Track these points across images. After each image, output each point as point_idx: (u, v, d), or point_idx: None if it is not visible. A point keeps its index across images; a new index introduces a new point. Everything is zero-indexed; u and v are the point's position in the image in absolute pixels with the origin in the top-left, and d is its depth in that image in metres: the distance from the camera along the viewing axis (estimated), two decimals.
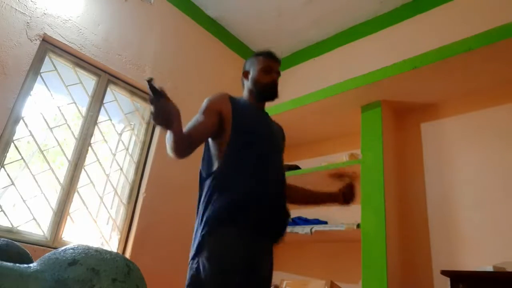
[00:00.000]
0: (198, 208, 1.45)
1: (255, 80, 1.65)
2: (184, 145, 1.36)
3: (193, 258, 1.35)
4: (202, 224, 1.36)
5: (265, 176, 1.46)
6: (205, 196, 1.42)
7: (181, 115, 1.29)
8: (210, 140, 1.52)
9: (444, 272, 1.71)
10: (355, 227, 2.26)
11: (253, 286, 1.34)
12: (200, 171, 1.53)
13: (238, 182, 1.40)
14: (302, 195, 1.79)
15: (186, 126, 1.41)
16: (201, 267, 1.30)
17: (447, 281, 1.70)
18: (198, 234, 1.36)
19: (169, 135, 1.31)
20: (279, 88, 1.72)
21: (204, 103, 1.51)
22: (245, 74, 1.71)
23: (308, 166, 2.84)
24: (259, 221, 1.39)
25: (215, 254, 1.30)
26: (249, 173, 1.43)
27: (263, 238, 1.42)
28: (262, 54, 1.71)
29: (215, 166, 1.45)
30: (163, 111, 1.22)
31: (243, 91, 1.73)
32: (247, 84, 1.68)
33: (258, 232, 1.39)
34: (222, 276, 1.27)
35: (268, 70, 1.67)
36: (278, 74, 1.71)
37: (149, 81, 1.21)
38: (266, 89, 1.65)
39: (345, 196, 1.76)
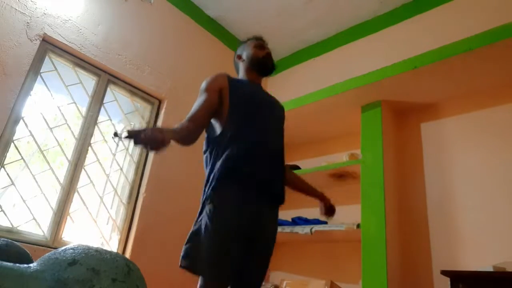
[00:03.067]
0: (206, 168, 1.51)
1: (252, 56, 1.72)
2: (192, 135, 1.43)
3: (198, 215, 1.42)
4: (209, 181, 1.43)
5: (264, 140, 1.53)
6: (210, 159, 1.48)
7: (161, 127, 1.31)
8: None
9: (444, 272, 1.71)
10: (355, 227, 2.26)
11: (254, 247, 1.40)
12: (206, 137, 1.57)
13: (240, 146, 1.45)
14: (296, 181, 1.81)
15: (191, 111, 1.48)
16: (203, 223, 1.36)
17: (447, 281, 1.70)
18: (204, 191, 1.44)
19: (173, 141, 1.35)
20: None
21: (203, 84, 1.57)
22: (239, 57, 1.78)
23: (308, 166, 2.84)
24: (256, 180, 1.44)
25: (217, 209, 1.36)
26: (250, 137, 1.49)
27: (264, 197, 1.47)
28: (250, 38, 1.83)
29: (219, 133, 1.50)
30: (148, 141, 1.20)
31: (237, 75, 1.78)
32: (243, 64, 1.75)
33: (259, 191, 1.44)
34: (223, 237, 1.33)
35: (261, 46, 1.76)
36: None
37: (117, 135, 1.18)
38: (264, 61, 1.72)
39: (328, 211, 1.79)
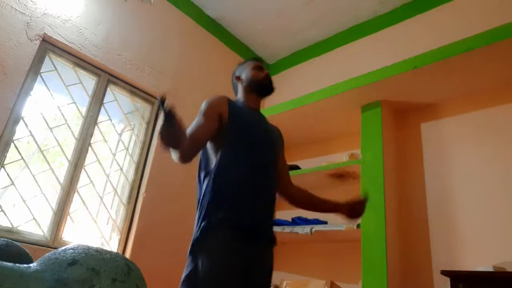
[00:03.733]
0: (197, 206, 1.48)
1: (251, 78, 1.71)
2: (190, 153, 1.40)
3: (190, 254, 1.38)
4: (200, 222, 1.39)
5: (261, 179, 1.50)
6: (203, 196, 1.45)
7: (185, 132, 1.30)
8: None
9: (444, 272, 1.70)
10: (355, 227, 2.26)
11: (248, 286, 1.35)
12: (198, 171, 1.55)
13: (234, 185, 1.43)
14: (309, 201, 1.78)
15: (187, 130, 1.42)
16: (199, 264, 1.32)
17: (447, 281, 1.70)
18: (197, 230, 1.39)
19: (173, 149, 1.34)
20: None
21: (204, 106, 1.54)
22: (238, 78, 1.77)
23: (308, 166, 2.84)
24: (252, 224, 1.42)
25: (212, 252, 1.33)
26: (244, 175, 1.46)
27: (257, 241, 1.44)
28: (248, 60, 1.83)
29: (212, 166, 1.48)
30: (172, 134, 1.22)
31: (236, 96, 1.77)
32: (242, 85, 1.74)
33: (252, 235, 1.41)
34: (217, 276, 1.29)
35: (260, 67, 1.76)
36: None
37: (162, 101, 1.18)
38: (264, 82, 1.72)
39: (353, 210, 1.70)
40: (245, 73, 1.75)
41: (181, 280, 1.36)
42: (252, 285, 1.38)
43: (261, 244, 1.46)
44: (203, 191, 1.46)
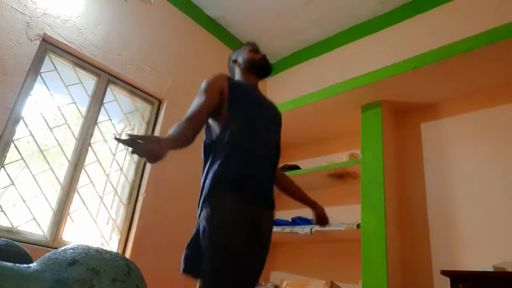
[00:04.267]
0: (203, 173, 1.51)
1: (248, 59, 1.75)
2: (193, 133, 1.43)
3: (198, 217, 1.43)
4: (206, 187, 1.43)
5: (262, 147, 1.54)
6: (209, 162, 1.49)
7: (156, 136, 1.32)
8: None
9: (444, 272, 1.70)
10: (355, 227, 2.26)
11: (251, 246, 1.40)
12: (204, 141, 1.58)
13: (238, 152, 1.46)
14: (289, 187, 1.87)
15: (189, 109, 1.48)
16: (201, 226, 1.37)
17: (447, 281, 1.70)
18: (201, 194, 1.45)
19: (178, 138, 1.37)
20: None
21: (203, 85, 1.57)
22: (234, 61, 1.80)
23: (308, 166, 2.84)
24: (253, 188, 1.46)
25: (215, 212, 1.37)
26: (248, 144, 1.50)
27: (258, 202, 1.48)
28: (243, 44, 1.87)
29: (217, 136, 1.51)
30: (145, 153, 1.20)
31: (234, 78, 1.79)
32: (240, 67, 1.77)
33: (253, 196, 1.46)
34: (221, 236, 1.34)
35: (256, 50, 1.80)
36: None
37: (117, 139, 1.18)
38: (261, 63, 1.76)
39: (320, 220, 1.86)
40: (242, 56, 1.77)
41: (190, 239, 1.40)
42: (256, 241, 1.43)
43: (264, 207, 1.51)
44: (207, 160, 1.50)
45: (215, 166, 1.44)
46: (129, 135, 1.18)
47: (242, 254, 1.36)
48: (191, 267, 1.35)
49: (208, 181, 1.44)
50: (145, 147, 1.18)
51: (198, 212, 1.44)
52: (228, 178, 1.42)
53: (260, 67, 1.75)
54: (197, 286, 1.34)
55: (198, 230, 1.39)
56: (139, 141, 1.18)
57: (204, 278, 1.32)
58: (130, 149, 1.19)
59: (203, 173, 1.51)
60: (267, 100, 1.76)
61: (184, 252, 1.38)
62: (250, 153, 1.48)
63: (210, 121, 1.57)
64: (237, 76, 1.77)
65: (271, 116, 1.68)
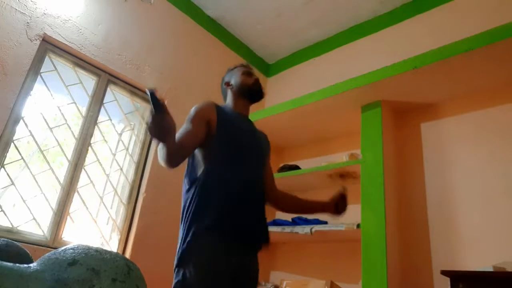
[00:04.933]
0: (182, 216, 1.46)
1: (241, 83, 1.72)
2: (177, 156, 1.38)
3: (177, 266, 1.37)
4: (186, 232, 1.38)
5: (247, 186, 1.49)
6: (189, 203, 1.43)
7: (176, 128, 1.29)
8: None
9: (444, 272, 1.70)
10: (355, 227, 2.26)
11: None
12: (184, 180, 1.54)
13: (221, 192, 1.42)
14: (294, 204, 1.82)
15: (176, 135, 1.42)
16: (187, 275, 1.31)
17: (447, 281, 1.70)
18: (183, 242, 1.38)
19: (161, 147, 1.32)
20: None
21: (192, 112, 1.53)
22: (227, 84, 1.77)
23: (308, 166, 2.84)
24: (240, 232, 1.41)
25: (199, 262, 1.32)
26: (232, 183, 1.45)
27: (245, 247, 1.44)
28: (237, 66, 1.82)
29: (199, 173, 1.47)
30: (161, 125, 1.22)
31: (225, 102, 1.77)
32: (232, 91, 1.74)
33: (240, 241, 1.41)
34: (206, 284, 1.29)
35: (249, 73, 1.77)
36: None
37: (152, 92, 1.19)
38: (253, 88, 1.72)
39: (338, 206, 1.77)
40: (234, 79, 1.74)
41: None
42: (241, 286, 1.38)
43: (248, 250, 1.46)
44: (188, 199, 1.44)
45: (193, 210, 1.39)
46: (158, 100, 1.18)
47: None
48: None
49: (186, 227, 1.38)
50: (165, 119, 1.20)
51: (176, 262, 1.36)
52: (208, 224, 1.36)
53: (252, 92, 1.71)
54: None
55: (183, 277, 1.32)
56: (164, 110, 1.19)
57: None
58: (153, 109, 1.18)
59: (183, 212, 1.44)
60: (257, 131, 1.72)
61: None
62: (236, 196, 1.43)
63: (195, 154, 1.53)
64: (229, 99, 1.75)
65: (259, 153, 1.64)
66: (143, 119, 2.77)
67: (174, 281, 1.35)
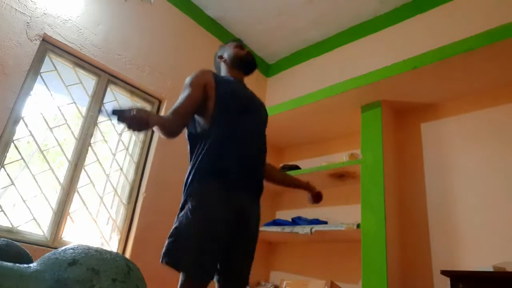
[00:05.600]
0: (190, 161, 1.52)
1: (234, 55, 1.76)
2: (175, 127, 1.45)
3: (181, 208, 1.43)
4: (191, 176, 1.45)
5: (249, 138, 1.55)
6: (193, 155, 1.50)
7: (147, 111, 1.32)
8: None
9: (444, 272, 1.71)
10: (355, 227, 2.26)
11: (238, 239, 1.41)
12: (189, 131, 1.58)
13: (224, 143, 1.47)
14: (281, 177, 1.90)
15: (174, 104, 1.49)
16: (184, 218, 1.37)
17: (447, 281, 1.70)
18: (186, 185, 1.46)
19: (156, 129, 1.39)
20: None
21: (188, 80, 1.59)
22: (220, 57, 1.81)
23: (308, 166, 2.84)
24: (239, 179, 1.47)
25: (199, 205, 1.37)
26: (235, 135, 1.51)
27: (245, 190, 1.50)
28: (229, 41, 1.88)
29: (203, 128, 1.52)
30: (132, 120, 1.24)
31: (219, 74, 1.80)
32: (225, 63, 1.78)
33: (239, 185, 1.46)
34: (206, 227, 1.33)
35: (241, 46, 1.82)
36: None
37: (105, 110, 1.23)
38: (246, 58, 1.77)
39: (315, 198, 1.86)
40: (227, 52, 1.79)
41: (170, 231, 1.40)
42: (240, 234, 1.43)
43: (251, 195, 1.52)
44: (197, 151, 1.49)
45: (200, 157, 1.45)
46: (115, 109, 1.22)
47: (229, 251, 1.37)
48: (172, 259, 1.34)
49: (193, 171, 1.45)
50: (134, 115, 1.23)
51: (181, 203, 1.43)
52: (216, 169, 1.42)
53: (245, 62, 1.76)
54: (180, 279, 1.33)
55: (181, 222, 1.38)
56: (126, 111, 1.23)
57: (186, 271, 1.32)
58: (117, 119, 1.22)
59: (190, 159, 1.52)
60: (254, 96, 1.75)
61: (166, 242, 1.38)
62: (234, 144, 1.49)
63: (195, 115, 1.57)
64: (223, 71, 1.78)
65: (257, 114, 1.68)
66: None
67: (175, 222, 1.41)
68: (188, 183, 1.45)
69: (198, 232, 1.33)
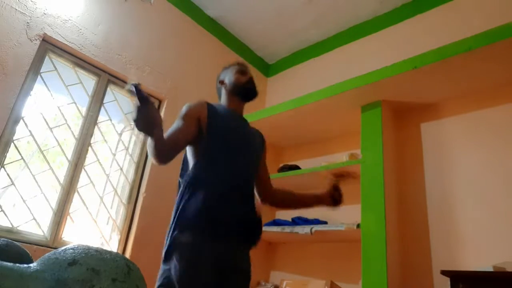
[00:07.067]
0: (172, 217, 1.47)
1: (234, 81, 1.70)
2: (166, 151, 1.38)
3: (164, 261, 1.38)
4: (173, 227, 1.39)
5: (235, 183, 1.48)
6: (179, 199, 1.44)
7: (162, 122, 1.30)
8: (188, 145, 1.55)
9: (444, 272, 1.70)
10: (355, 227, 2.26)
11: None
12: (179, 178, 1.55)
13: (209, 188, 1.41)
14: (289, 200, 1.81)
15: (166, 132, 1.43)
16: (172, 270, 1.32)
17: (447, 281, 1.70)
18: (170, 237, 1.39)
19: (150, 142, 1.33)
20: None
21: (183, 109, 1.53)
22: (221, 82, 1.76)
23: (308, 166, 2.84)
24: (227, 229, 1.40)
25: (185, 258, 1.32)
26: (220, 179, 1.45)
27: (233, 243, 1.43)
28: (232, 64, 1.82)
29: (191, 166, 1.49)
30: (146, 118, 1.24)
31: (220, 100, 1.77)
32: (226, 89, 1.73)
33: (227, 238, 1.39)
34: (193, 280, 1.28)
35: (243, 72, 1.75)
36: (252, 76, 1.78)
37: (137, 86, 1.20)
38: (247, 86, 1.70)
39: (333, 198, 1.78)
40: (228, 77, 1.74)
41: (157, 282, 1.36)
42: (228, 286, 1.36)
43: (235, 244, 1.44)
44: (179, 196, 1.45)
45: (190, 204, 1.39)
46: (142, 93, 1.21)
47: None
48: None
49: (181, 218, 1.39)
50: (152, 108, 1.22)
51: (165, 253, 1.38)
52: (205, 222, 1.36)
53: (245, 90, 1.69)
54: None
55: (168, 281, 1.32)
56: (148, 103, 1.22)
57: None
58: (138, 103, 1.21)
59: (177, 204, 1.45)
60: (250, 128, 1.72)
61: None
62: (216, 191, 1.41)
63: (188, 151, 1.54)
64: (223, 98, 1.74)
65: (251, 150, 1.64)
66: None
67: (160, 275, 1.37)
68: (173, 229, 1.39)
69: None
